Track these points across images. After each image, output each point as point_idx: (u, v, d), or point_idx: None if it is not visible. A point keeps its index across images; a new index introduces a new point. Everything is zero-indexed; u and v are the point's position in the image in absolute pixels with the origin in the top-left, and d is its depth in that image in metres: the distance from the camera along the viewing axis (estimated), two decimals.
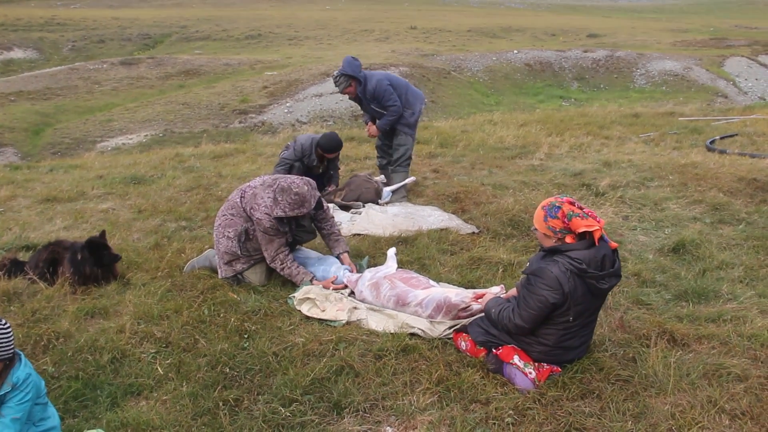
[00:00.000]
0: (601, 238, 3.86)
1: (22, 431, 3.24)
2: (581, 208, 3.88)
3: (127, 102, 26.37)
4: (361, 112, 8.85)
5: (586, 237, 3.86)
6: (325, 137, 7.82)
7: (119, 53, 39.05)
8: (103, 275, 5.55)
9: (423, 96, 8.46)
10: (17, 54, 38.10)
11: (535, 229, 4.04)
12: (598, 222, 3.83)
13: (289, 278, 5.52)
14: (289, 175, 5.66)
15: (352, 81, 7.77)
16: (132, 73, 31.43)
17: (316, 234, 5.95)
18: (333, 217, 6.01)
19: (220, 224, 5.65)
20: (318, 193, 5.65)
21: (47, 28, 44.39)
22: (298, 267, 5.51)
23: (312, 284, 5.40)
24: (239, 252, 5.51)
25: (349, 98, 8.14)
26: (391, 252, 5.81)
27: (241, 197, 5.57)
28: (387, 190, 8.07)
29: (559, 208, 3.87)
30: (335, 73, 7.82)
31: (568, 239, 3.88)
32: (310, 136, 7.93)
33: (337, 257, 5.82)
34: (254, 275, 5.62)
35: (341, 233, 6.03)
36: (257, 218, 5.39)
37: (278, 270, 5.52)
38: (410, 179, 8.26)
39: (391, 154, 8.30)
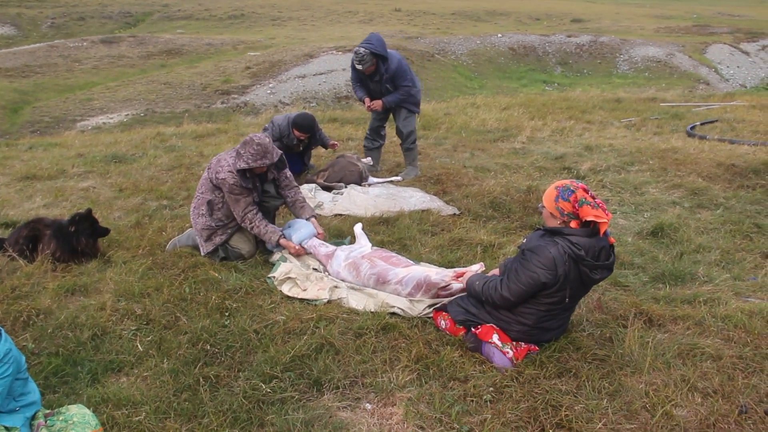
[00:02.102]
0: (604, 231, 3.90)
1: (2, 406, 3.24)
2: (593, 197, 3.89)
3: (108, 81, 26.09)
4: (344, 94, 8.71)
5: (590, 226, 3.89)
6: (297, 118, 7.82)
7: (100, 31, 38.59)
8: (86, 252, 5.55)
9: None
10: None
11: (543, 206, 4.05)
12: (607, 215, 3.85)
13: (259, 236, 5.59)
14: None
15: (376, 60, 7.65)
16: (113, 51, 31.07)
17: (282, 200, 5.96)
18: (297, 186, 6.04)
19: (194, 206, 5.71)
20: (281, 152, 5.68)
21: (26, 3, 43.74)
22: (267, 225, 5.55)
23: (281, 252, 5.51)
24: (212, 224, 5.56)
25: (363, 75, 7.94)
26: (358, 228, 5.83)
27: (208, 170, 5.62)
28: (374, 180, 8.08)
29: (573, 192, 3.88)
30: (360, 50, 7.58)
31: (573, 224, 3.90)
32: (287, 116, 7.93)
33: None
34: (241, 243, 5.66)
35: (305, 200, 6.04)
36: (221, 179, 5.41)
37: (248, 228, 5.57)
38: (396, 178, 8.26)
39: (400, 132, 8.24)
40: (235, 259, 5.65)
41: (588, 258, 3.84)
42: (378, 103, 8.07)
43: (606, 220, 3.83)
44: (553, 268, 3.81)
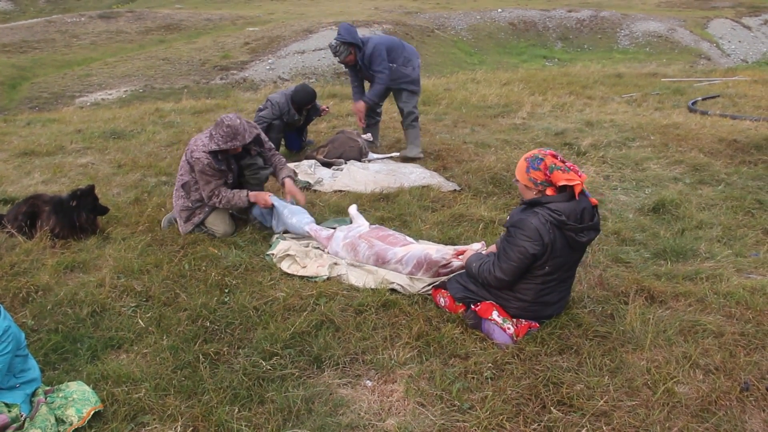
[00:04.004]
0: (582, 193, 3.87)
1: (2, 383, 3.24)
2: (563, 162, 3.87)
3: (106, 56, 25.96)
4: (344, 69, 8.58)
5: (566, 190, 3.87)
6: (297, 93, 7.75)
7: (97, 6, 38.30)
8: (85, 228, 5.53)
9: (417, 52, 8.32)
10: None
11: (517, 180, 4.04)
12: (580, 176, 3.83)
13: (228, 205, 5.58)
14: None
15: (352, 48, 7.56)
16: (111, 26, 30.88)
17: (271, 168, 5.97)
18: (278, 153, 6.05)
19: (175, 189, 5.73)
20: (256, 131, 5.66)
21: None
22: (231, 191, 5.56)
23: (278, 233, 5.53)
24: (191, 205, 5.58)
25: (346, 67, 7.92)
26: (353, 210, 5.81)
27: (186, 150, 5.61)
28: (374, 156, 8.02)
29: (541, 160, 3.87)
30: (333, 42, 7.57)
31: (549, 191, 3.89)
32: (283, 93, 7.85)
33: (282, 183, 5.88)
34: (216, 224, 5.65)
35: (286, 162, 6.08)
36: (195, 158, 5.42)
37: (217, 205, 5.57)
38: (395, 154, 8.20)
39: (401, 111, 8.10)
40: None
41: (570, 222, 3.82)
42: (360, 106, 7.95)
43: (579, 182, 3.81)
44: (538, 238, 3.80)
